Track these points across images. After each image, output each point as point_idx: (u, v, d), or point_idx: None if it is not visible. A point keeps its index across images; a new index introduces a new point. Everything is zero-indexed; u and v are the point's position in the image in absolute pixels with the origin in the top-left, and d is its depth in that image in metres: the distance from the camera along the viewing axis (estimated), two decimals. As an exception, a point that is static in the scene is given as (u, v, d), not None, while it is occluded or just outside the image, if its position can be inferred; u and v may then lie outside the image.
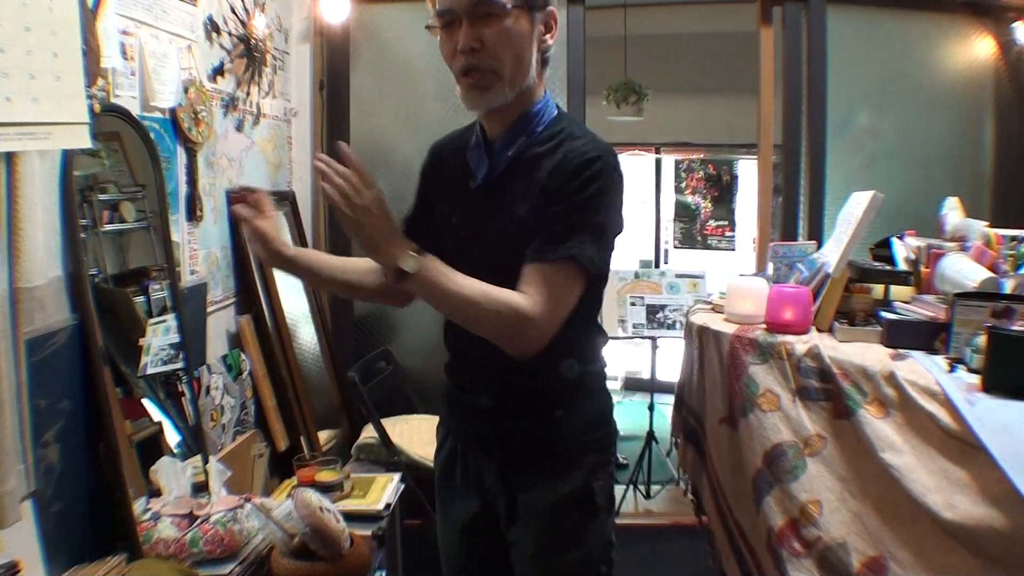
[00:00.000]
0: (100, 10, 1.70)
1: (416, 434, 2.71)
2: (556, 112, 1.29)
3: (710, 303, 2.21)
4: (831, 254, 1.96)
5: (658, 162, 6.62)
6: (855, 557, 1.54)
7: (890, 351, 1.69)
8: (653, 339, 3.54)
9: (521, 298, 1.15)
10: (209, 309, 2.33)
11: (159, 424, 1.94)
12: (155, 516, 1.75)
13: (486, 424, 1.33)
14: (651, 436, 3.57)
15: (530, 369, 1.22)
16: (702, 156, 7.34)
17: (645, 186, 6.77)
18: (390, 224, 1.13)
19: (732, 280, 2.06)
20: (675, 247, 7.32)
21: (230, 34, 2.43)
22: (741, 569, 1.87)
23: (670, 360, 3.23)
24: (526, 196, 1.21)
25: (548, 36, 1.25)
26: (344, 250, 3.15)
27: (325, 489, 2.09)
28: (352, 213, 1.09)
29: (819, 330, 1.87)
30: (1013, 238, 1.88)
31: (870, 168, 3.05)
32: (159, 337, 1.93)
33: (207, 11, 2.29)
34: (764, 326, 1.87)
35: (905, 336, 1.73)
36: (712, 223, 7.79)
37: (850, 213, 1.97)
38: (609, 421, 1.37)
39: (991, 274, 1.76)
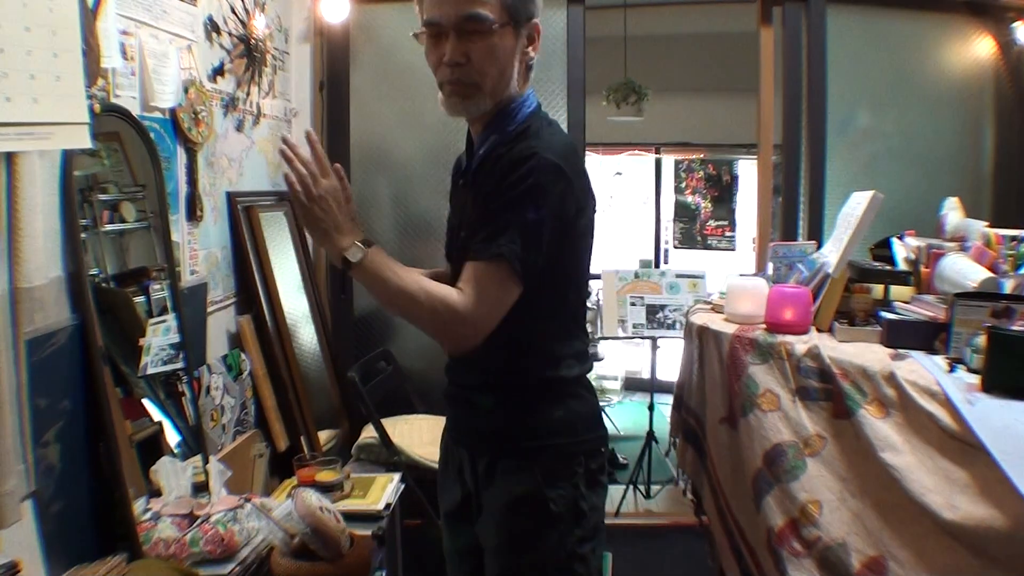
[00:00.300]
0: (100, 10, 1.70)
1: (416, 434, 2.71)
2: (531, 111, 1.30)
3: (710, 303, 2.21)
4: (831, 254, 1.96)
5: (658, 162, 6.62)
6: (855, 557, 1.54)
7: (890, 351, 1.69)
8: (653, 339, 3.54)
9: (457, 295, 1.17)
10: (209, 309, 2.33)
11: (159, 424, 1.94)
12: (155, 516, 1.75)
13: (460, 415, 1.40)
14: (651, 436, 3.57)
15: (485, 365, 1.29)
16: (702, 156, 7.34)
17: (645, 186, 6.77)
18: (342, 214, 1.17)
19: (732, 280, 2.06)
20: (675, 247, 7.31)
21: (230, 34, 2.43)
22: (741, 569, 1.87)
23: (670, 360, 3.23)
24: (482, 191, 1.25)
25: (531, 48, 1.29)
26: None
27: (325, 489, 2.09)
28: (306, 201, 1.15)
29: (819, 330, 1.87)
30: (1013, 238, 1.88)
31: (870, 168, 3.05)
32: (159, 337, 1.93)
33: (207, 11, 2.29)
34: (764, 326, 1.87)
35: (905, 336, 1.73)
36: (712, 223, 7.79)
37: (850, 213, 1.97)
38: (578, 431, 1.31)
39: (991, 274, 1.76)
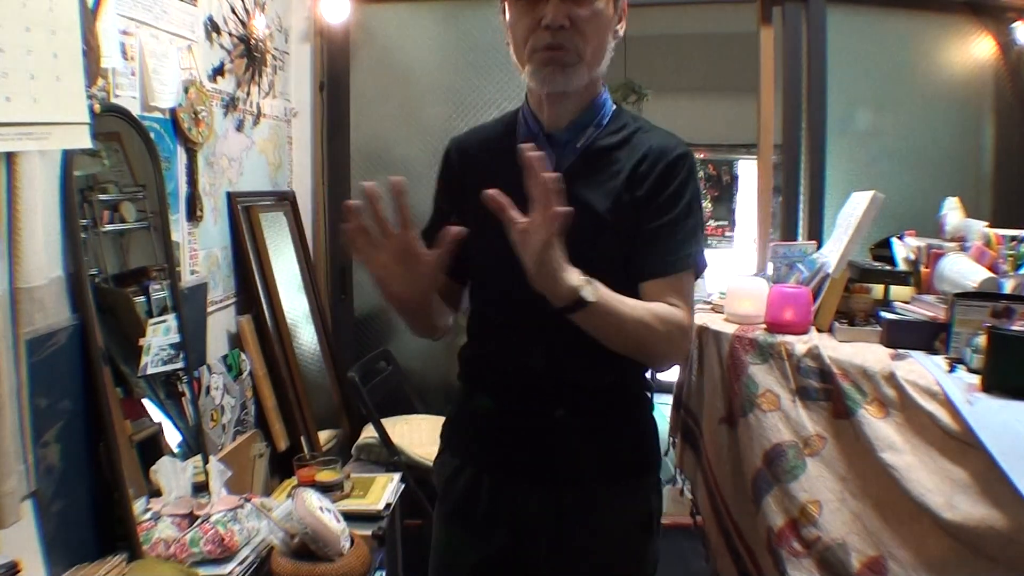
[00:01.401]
0: (100, 10, 1.70)
1: (416, 434, 2.71)
2: (615, 104, 1.26)
3: (710, 303, 2.21)
4: (831, 254, 1.96)
5: (658, 162, 6.60)
6: (855, 557, 1.54)
7: (890, 351, 1.69)
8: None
9: (679, 312, 1.13)
10: (209, 309, 2.33)
11: (159, 424, 1.94)
12: (155, 516, 1.75)
13: (546, 444, 1.20)
14: (651, 436, 3.57)
15: (603, 381, 1.18)
16: (702, 156, 7.34)
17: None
18: (562, 251, 1.02)
19: (732, 280, 2.06)
20: (675, 247, 7.30)
21: (230, 34, 2.43)
22: (738, 569, 1.87)
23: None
24: (604, 190, 1.15)
25: (620, 26, 1.21)
26: (344, 252, 3.15)
27: (325, 489, 2.09)
28: (541, 240, 0.98)
29: (819, 330, 1.87)
30: (1013, 238, 1.89)
31: (870, 168, 3.04)
32: (159, 337, 1.93)
33: (207, 11, 2.29)
34: (764, 326, 1.87)
35: (905, 336, 1.73)
36: (712, 223, 7.79)
37: (850, 213, 1.97)
38: (658, 436, 1.29)
39: (991, 274, 1.77)
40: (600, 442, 1.20)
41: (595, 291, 1.03)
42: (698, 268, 1.18)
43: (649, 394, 1.29)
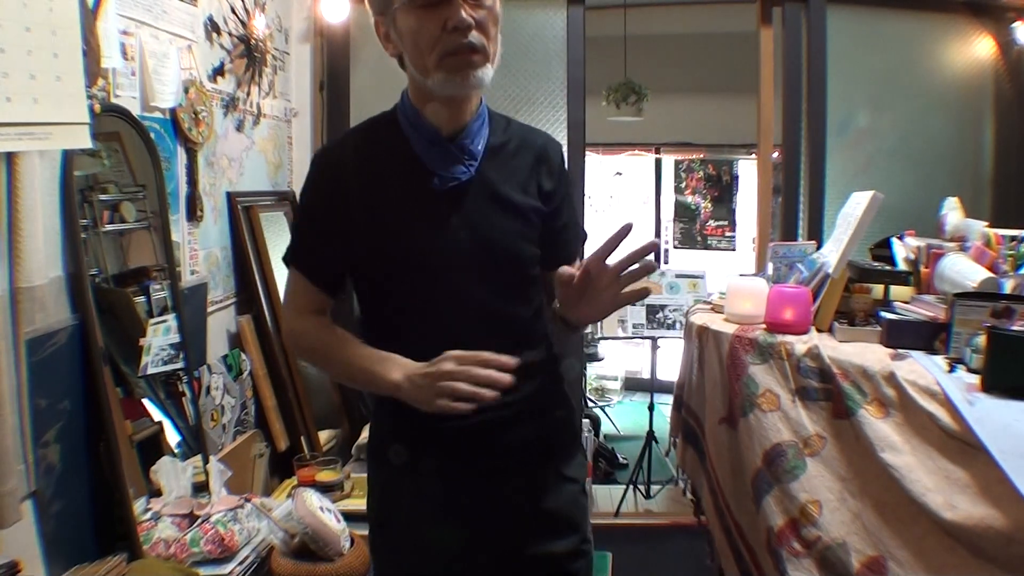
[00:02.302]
0: (100, 10, 1.70)
1: (416, 434, 2.71)
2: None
3: (710, 303, 2.21)
4: (831, 254, 1.96)
5: (658, 162, 6.62)
6: (855, 557, 1.54)
7: (890, 351, 1.69)
8: (653, 339, 3.54)
9: None
10: (209, 309, 2.33)
11: (159, 424, 1.94)
12: (155, 516, 1.75)
13: (512, 435, 1.22)
14: (651, 436, 3.57)
15: (531, 363, 1.22)
16: (702, 156, 7.33)
17: (645, 186, 6.77)
18: None
19: (732, 280, 2.05)
20: (675, 247, 7.32)
21: (230, 34, 2.43)
22: (740, 569, 1.87)
23: (670, 360, 3.23)
24: (511, 184, 1.21)
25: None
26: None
27: (325, 489, 2.09)
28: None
29: (819, 330, 1.87)
30: (1013, 238, 1.88)
31: (870, 168, 3.04)
32: (159, 337, 1.93)
33: (207, 11, 2.29)
34: (764, 326, 1.87)
35: (905, 336, 1.73)
36: (712, 223, 7.79)
37: (850, 213, 1.97)
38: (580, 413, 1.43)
39: (991, 274, 1.76)
40: (544, 422, 1.28)
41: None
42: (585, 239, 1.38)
43: (582, 384, 1.42)
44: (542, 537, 1.25)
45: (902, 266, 2.03)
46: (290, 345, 1.31)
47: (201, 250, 2.29)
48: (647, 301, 3.41)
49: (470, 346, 1.14)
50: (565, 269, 1.11)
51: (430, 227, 1.16)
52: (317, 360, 1.29)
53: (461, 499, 1.23)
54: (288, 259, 1.25)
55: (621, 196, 7.05)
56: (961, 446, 1.42)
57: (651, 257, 1.11)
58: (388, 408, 1.25)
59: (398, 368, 1.13)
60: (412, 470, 1.25)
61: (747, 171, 7.17)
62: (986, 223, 2.05)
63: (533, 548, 1.24)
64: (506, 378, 1.05)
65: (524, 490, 1.25)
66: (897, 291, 1.89)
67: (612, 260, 1.09)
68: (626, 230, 1.08)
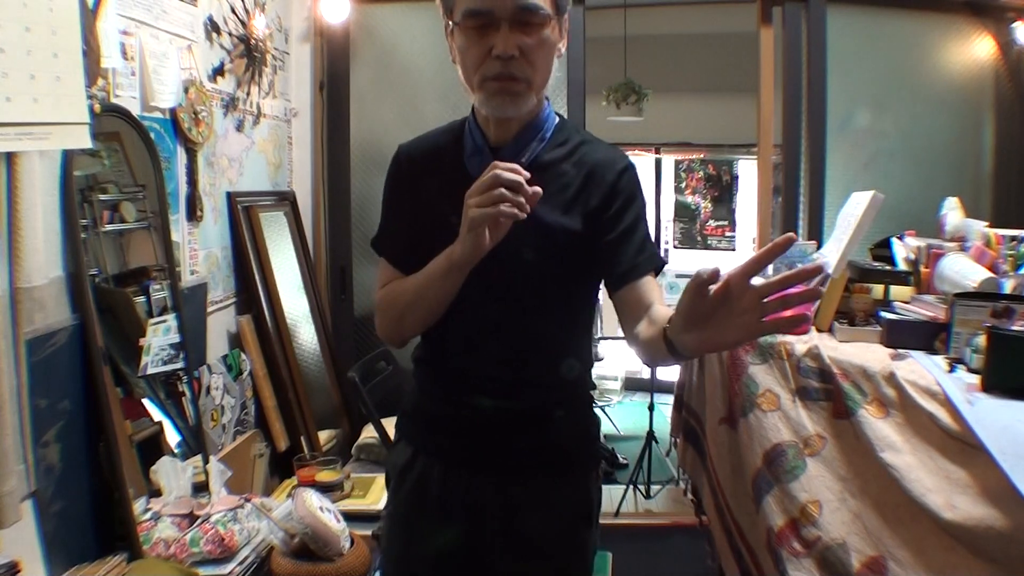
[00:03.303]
0: (100, 10, 1.70)
1: (416, 434, 2.71)
2: (556, 116, 1.28)
3: (710, 303, 2.21)
4: (831, 254, 1.96)
5: (658, 162, 6.62)
6: (855, 557, 1.54)
7: (890, 351, 1.69)
8: (653, 339, 3.53)
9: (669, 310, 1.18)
10: (209, 309, 2.33)
11: (159, 424, 1.94)
12: (155, 516, 1.75)
13: (488, 436, 1.24)
14: (651, 436, 3.57)
15: (552, 378, 1.24)
16: (702, 156, 7.34)
17: (645, 186, 6.76)
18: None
19: (732, 280, 2.05)
20: (675, 247, 7.32)
21: (230, 34, 2.43)
22: (740, 569, 1.87)
23: (670, 360, 3.22)
24: (554, 202, 1.19)
25: (562, 44, 1.23)
26: (344, 252, 3.15)
27: (325, 489, 2.09)
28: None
29: (819, 330, 1.87)
30: (1013, 238, 1.88)
31: (870, 168, 3.04)
32: (159, 337, 1.93)
33: (207, 11, 2.29)
34: (764, 326, 1.87)
35: (905, 336, 1.73)
36: (712, 223, 7.79)
37: (850, 213, 1.97)
38: (600, 432, 1.37)
39: (991, 274, 1.77)
40: (546, 437, 1.25)
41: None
42: (659, 264, 1.26)
43: (592, 392, 1.36)
44: (516, 556, 1.24)
45: (902, 266, 2.03)
46: (382, 326, 1.29)
47: (201, 250, 2.29)
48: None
49: (483, 351, 1.22)
50: (703, 271, 0.91)
51: (456, 230, 1.17)
52: (399, 307, 1.26)
53: (457, 489, 1.25)
54: (374, 245, 1.33)
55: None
56: (961, 446, 1.42)
57: (817, 281, 0.98)
58: (412, 401, 1.33)
59: (439, 258, 1.16)
60: (418, 455, 1.29)
61: (747, 171, 7.17)
62: (986, 223, 2.05)
63: (507, 564, 1.25)
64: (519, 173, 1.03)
65: (513, 502, 1.24)
66: (897, 291, 1.89)
67: (759, 280, 0.91)
68: (787, 242, 0.90)
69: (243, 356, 2.44)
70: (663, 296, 1.23)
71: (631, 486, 3.43)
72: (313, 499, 1.86)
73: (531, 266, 1.19)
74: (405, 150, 1.31)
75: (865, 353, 1.68)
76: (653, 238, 1.27)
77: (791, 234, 0.92)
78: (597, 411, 1.37)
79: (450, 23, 1.19)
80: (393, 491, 1.34)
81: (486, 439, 1.25)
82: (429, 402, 1.30)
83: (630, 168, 1.25)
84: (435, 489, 1.26)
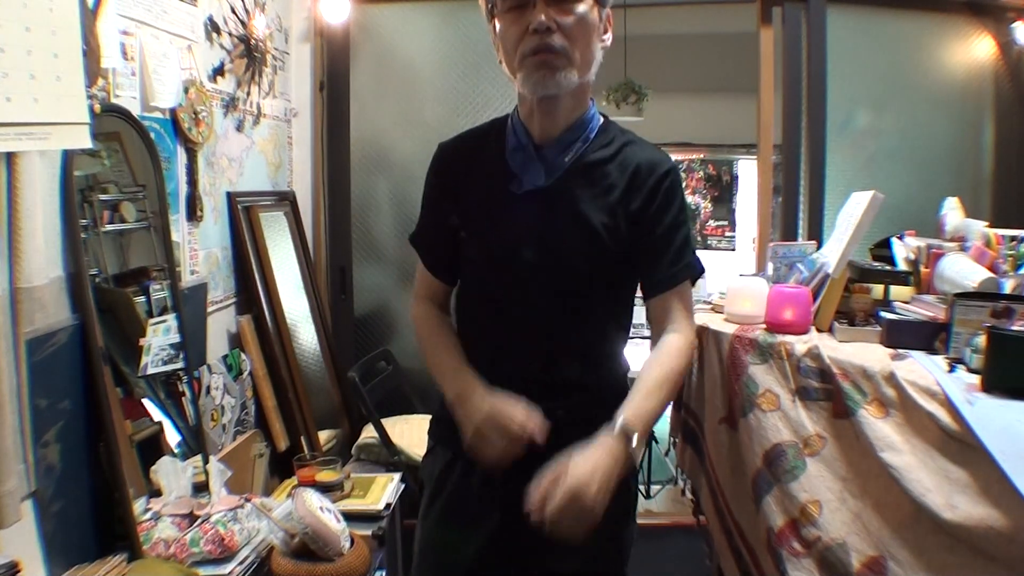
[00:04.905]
0: (100, 10, 1.70)
1: (416, 434, 2.71)
2: (601, 117, 1.29)
3: (710, 303, 2.21)
4: (831, 254, 1.96)
5: (658, 162, 6.61)
6: (855, 557, 1.54)
7: (890, 351, 1.69)
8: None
9: (682, 335, 1.26)
10: (209, 309, 2.33)
11: (159, 424, 1.94)
12: (155, 516, 1.75)
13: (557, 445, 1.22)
14: (651, 436, 3.57)
15: (591, 379, 1.26)
16: (702, 156, 7.34)
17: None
18: (608, 484, 1.12)
19: (732, 280, 2.06)
20: (675, 247, 7.30)
21: (230, 34, 2.43)
22: (740, 569, 1.87)
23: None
24: (598, 203, 1.20)
25: (606, 35, 1.25)
26: (344, 252, 3.15)
27: (325, 489, 2.09)
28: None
29: (819, 330, 1.87)
30: (1013, 238, 1.88)
31: (870, 168, 3.05)
32: (159, 337, 1.93)
33: (207, 11, 2.29)
34: (764, 326, 1.87)
35: (905, 336, 1.73)
36: (712, 223, 7.80)
37: (850, 213, 1.97)
38: None
39: (991, 274, 1.76)
40: (589, 435, 1.23)
41: (634, 428, 1.15)
42: (696, 273, 1.27)
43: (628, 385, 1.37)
44: (558, 555, 1.23)
45: (902, 266, 2.03)
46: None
47: (201, 250, 2.29)
48: (647, 301, 3.40)
49: (525, 354, 1.24)
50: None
51: (499, 227, 1.23)
52: (420, 348, 1.36)
53: (498, 492, 1.25)
54: (412, 240, 1.38)
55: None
56: (961, 446, 1.42)
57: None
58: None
59: (456, 387, 1.23)
60: (456, 460, 1.31)
61: (747, 171, 7.18)
62: (986, 223, 2.05)
63: (550, 563, 1.26)
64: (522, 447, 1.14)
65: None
66: (897, 291, 1.89)
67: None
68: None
69: (243, 356, 2.44)
70: (692, 306, 1.30)
71: (631, 486, 3.43)
72: (313, 499, 1.86)
73: (576, 268, 1.20)
74: (447, 148, 1.34)
75: (865, 353, 1.68)
76: (693, 245, 1.29)
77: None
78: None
79: (493, 20, 1.21)
80: (431, 496, 1.35)
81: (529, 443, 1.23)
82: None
83: (673, 171, 1.25)
84: (476, 490, 1.26)
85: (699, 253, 1.35)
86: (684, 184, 1.32)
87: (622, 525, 1.30)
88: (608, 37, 1.24)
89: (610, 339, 1.30)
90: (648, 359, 1.26)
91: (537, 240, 1.21)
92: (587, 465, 1.09)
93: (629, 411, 1.18)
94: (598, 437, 1.15)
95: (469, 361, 1.28)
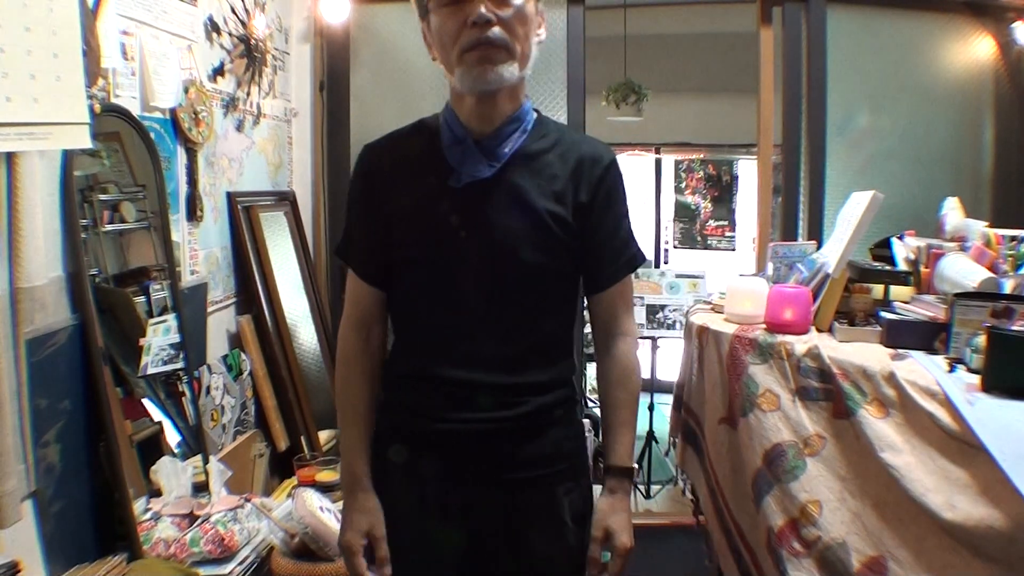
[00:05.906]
0: (100, 10, 1.70)
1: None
2: (534, 112, 1.28)
3: (710, 303, 2.21)
4: (831, 254, 1.96)
5: (658, 162, 6.62)
6: (855, 557, 1.54)
7: (890, 351, 1.69)
8: (653, 339, 3.54)
9: (631, 342, 1.30)
10: (209, 309, 2.33)
11: (159, 424, 1.94)
12: (155, 516, 1.75)
13: (486, 447, 1.21)
14: (651, 436, 3.57)
15: (541, 381, 1.23)
16: (702, 156, 7.34)
17: (645, 186, 6.77)
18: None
19: (732, 280, 2.05)
20: (675, 247, 7.32)
21: (230, 34, 2.43)
22: (739, 569, 1.87)
23: (670, 360, 3.23)
24: (542, 192, 1.19)
25: (541, 30, 1.23)
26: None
27: (325, 489, 2.09)
28: None
29: (819, 330, 1.87)
30: (1013, 238, 1.88)
31: (870, 168, 3.05)
32: (159, 337, 1.93)
33: (207, 11, 2.29)
34: (764, 326, 1.87)
35: (905, 336, 1.72)
36: (712, 223, 7.79)
37: (850, 213, 1.97)
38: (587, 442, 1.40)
39: (991, 274, 1.76)
40: (547, 438, 1.24)
41: (631, 463, 1.28)
42: (638, 263, 1.30)
43: (579, 398, 1.37)
44: (518, 562, 1.24)
45: (902, 266, 2.03)
46: (335, 375, 1.32)
47: (201, 250, 2.29)
48: (647, 301, 3.41)
49: (466, 344, 1.19)
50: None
51: (440, 222, 1.19)
52: (336, 406, 1.33)
53: (458, 501, 1.22)
54: (338, 252, 1.32)
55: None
56: (961, 446, 1.42)
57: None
58: (392, 407, 1.28)
59: (349, 476, 1.25)
60: (411, 470, 1.24)
61: (747, 171, 7.17)
62: (986, 223, 2.05)
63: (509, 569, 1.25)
64: None
65: (516, 507, 1.22)
66: (897, 291, 1.89)
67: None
68: None
69: (243, 356, 2.44)
70: (632, 299, 1.32)
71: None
72: (313, 499, 1.86)
73: (526, 257, 1.17)
74: (373, 150, 1.31)
75: (865, 353, 1.68)
76: (632, 232, 1.31)
77: None
78: (596, 411, 1.38)
79: (427, 16, 1.21)
80: (386, 514, 1.26)
81: (487, 449, 1.21)
82: (421, 421, 1.22)
83: (615, 162, 1.26)
84: (432, 499, 1.22)
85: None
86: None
87: (577, 535, 1.28)
88: (543, 33, 1.23)
89: (566, 331, 1.28)
90: (611, 378, 1.28)
91: (484, 232, 1.17)
92: (622, 521, 1.25)
93: (621, 449, 1.25)
94: (607, 484, 1.25)
95: (427, 373, 1.22)
